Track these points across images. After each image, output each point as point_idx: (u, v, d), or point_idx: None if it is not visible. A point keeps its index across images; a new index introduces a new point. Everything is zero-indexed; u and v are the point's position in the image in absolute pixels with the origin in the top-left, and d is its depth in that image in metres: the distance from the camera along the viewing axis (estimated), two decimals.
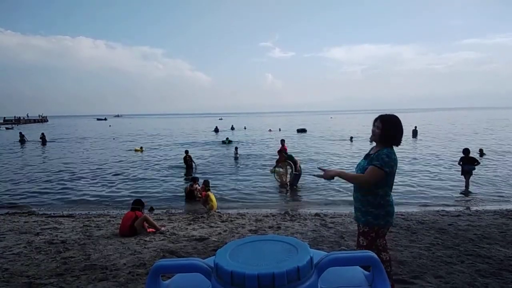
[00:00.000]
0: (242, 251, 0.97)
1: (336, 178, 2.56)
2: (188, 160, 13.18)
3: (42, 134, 27.43)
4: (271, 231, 5.19)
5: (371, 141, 2.67)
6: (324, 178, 2.58)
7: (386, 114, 2.62)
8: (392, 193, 2.63)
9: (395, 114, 2.63)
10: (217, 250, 0.98)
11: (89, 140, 30.24)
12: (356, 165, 2.75)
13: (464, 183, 9.28)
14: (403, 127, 2.58)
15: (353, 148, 20.09)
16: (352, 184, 2.67)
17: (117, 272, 3.59)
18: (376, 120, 2.60)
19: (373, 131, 2.60)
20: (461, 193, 8.86)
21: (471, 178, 9.33)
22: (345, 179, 2.53)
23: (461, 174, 9.26)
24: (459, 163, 9.28)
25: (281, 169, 10.35)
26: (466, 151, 9.11)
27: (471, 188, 9.12)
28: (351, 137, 24.52)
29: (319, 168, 2.65)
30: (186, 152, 13.50)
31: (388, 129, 2.53)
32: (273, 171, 10.93)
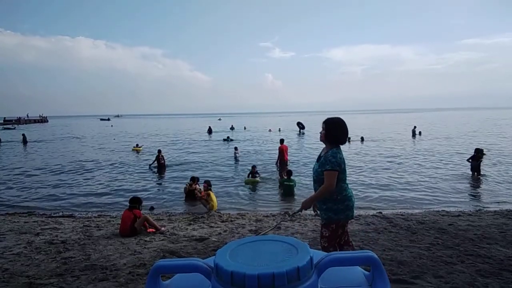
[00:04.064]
0: (242, 251, 0.97)
1: (312, 205, 2.91)
2: (161, 159, 13.67)
3: (23, 135, 27.51)
4: (271, 231, 5.19)
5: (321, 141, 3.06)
6: (305, 209, 2.88)
7: (330, 117, 2.89)
8: (350, 188, 2.86)
9: (340, 116, 2.93)
10: (217, 250, 0.98)
11: (86, 140, 30.24)
12: (312, 168, 3.01)
13: (466, 182, 9.93)
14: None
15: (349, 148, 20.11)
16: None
17: (117, 272, 3.59)
18: (323, 123, 2.87)
19: (320, 133, 2.86)
20: (468, 189, 9.19)
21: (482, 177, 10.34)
22: (318, 200, 2.80)
23: (471, 170, 10.58)
24: (468, 160, 10.83)
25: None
26: (477, 150, 10.61)
27: (472, 189, 9.27)
28: (362, 137, 23.83)
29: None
30: (159, 151, 14.03)
31: (330, 130, 2.80)
32: (280, 183, 9.65)
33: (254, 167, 10.92)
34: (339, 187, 2.72)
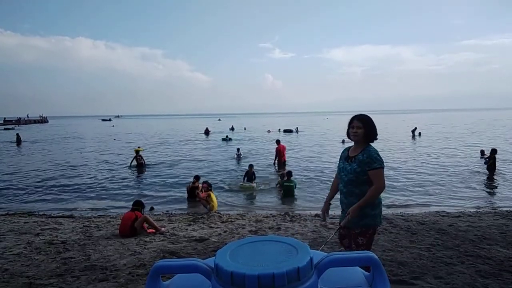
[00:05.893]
0: (242, 251, 0.97)
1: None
2: (139, 159, 14.07)
3: (17, 134, 27.51)
4: (271, 232, 5.18)
5: (354, 141, 2.63)
6: (353, 217, 2.52)
7: (362, 114, 2.66)
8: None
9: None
10: (217, 250, 0.98)
11: (85, 140, 30.22)
12: (338, 170, 2.72)
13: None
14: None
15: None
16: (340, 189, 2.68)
17: (117, 272, 3.59)
18: (352, 120, 2.62)
19: (355, 132, 2.58)
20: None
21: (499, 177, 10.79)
22: (369, 203, 2.48)
23: (487, 170, 11.30)
24: (485, 159, 11.83)
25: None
26: (493, 151, 11.31)
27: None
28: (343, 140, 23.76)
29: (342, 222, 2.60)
30: (137, 152, 14.49)
31: (370, 128, 2.58)
32: (279, 184, 9.52)
33: (251, 166, 10.53)
34: None
